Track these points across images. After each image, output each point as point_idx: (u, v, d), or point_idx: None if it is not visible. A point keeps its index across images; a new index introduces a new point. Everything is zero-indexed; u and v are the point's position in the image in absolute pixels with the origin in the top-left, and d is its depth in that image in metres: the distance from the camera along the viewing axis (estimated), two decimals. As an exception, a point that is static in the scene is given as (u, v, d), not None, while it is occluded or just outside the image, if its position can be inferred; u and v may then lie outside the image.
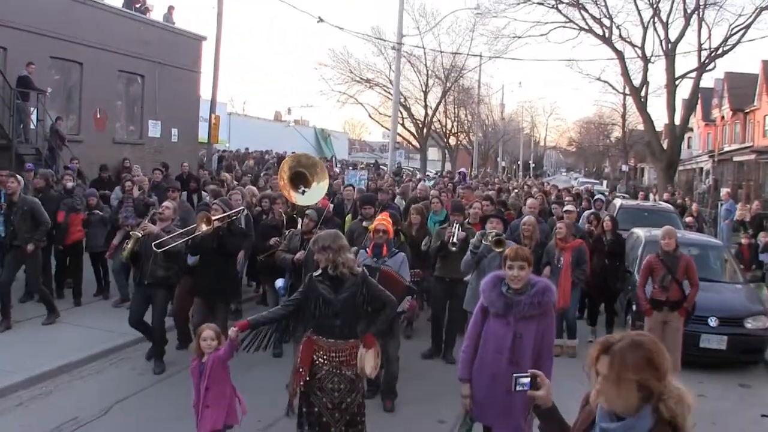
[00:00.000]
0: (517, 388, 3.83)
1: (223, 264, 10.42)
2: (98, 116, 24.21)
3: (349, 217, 14.47)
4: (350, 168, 35.11)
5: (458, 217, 11.86)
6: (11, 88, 19.58)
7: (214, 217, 10.06)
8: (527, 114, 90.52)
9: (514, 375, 3.89)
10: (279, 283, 10.60)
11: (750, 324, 11.85)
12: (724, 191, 28.82)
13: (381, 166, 44.01)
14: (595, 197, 21.15)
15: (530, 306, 6.10)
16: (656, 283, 10.63)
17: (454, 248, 11.03)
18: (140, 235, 10.29)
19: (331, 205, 14.31)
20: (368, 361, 6.71)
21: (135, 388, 9.73)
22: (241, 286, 12.48)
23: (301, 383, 6.72)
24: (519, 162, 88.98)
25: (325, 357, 6.65)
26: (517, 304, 6.11)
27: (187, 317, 11.36)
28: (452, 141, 69.20)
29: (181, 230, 10.55)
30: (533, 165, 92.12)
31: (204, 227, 9.91)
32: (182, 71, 28.33)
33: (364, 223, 11.83)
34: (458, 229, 11.25)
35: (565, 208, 14.50)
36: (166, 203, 11.22)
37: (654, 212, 20.19)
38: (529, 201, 15.56)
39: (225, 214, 10.47)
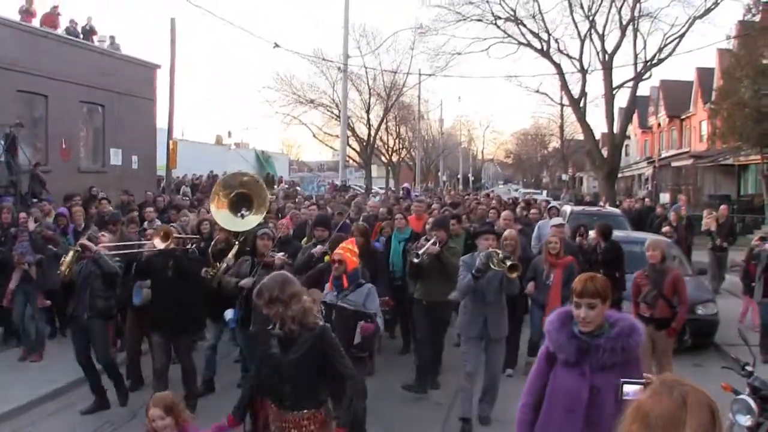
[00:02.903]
0: (624, 398, 3.46)
1: (183, 293, 9.27)
2: (63, 147, 24.67)
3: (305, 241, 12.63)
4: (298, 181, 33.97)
5: (440, 232, 10.42)
6: (-17, 124, 20.01)
7: (174, 234, 9.24)
8: (464, 128, 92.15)
9: (621, 380, 3.63)
10: (229, 314, 9.53)
11: (701, 310, 12.97)
12: (681, 197, 28.62)
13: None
14: (550, 205, 21.60)
15: (611, 352, 4.63)
16: (640, 299, 9.82)
17: (416, 259, 10.08)
18: (79, 250, 9.43)
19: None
20: None
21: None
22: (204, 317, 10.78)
23: None
24: (458, 176, 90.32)
25: (277, 427, 5.48)
26: (594, 350, 4.66)
27: (139, 357, 10.86)
28: (394, 158, 70.49)
29: (136, 242, 9.98)
30: (472, 178, 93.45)
31: (159, 243, 9.10)
32: (139, 99, 28.91)
33: (316, 248, 10.56)
34: (432, 243, 10.16)
35: (554, 221, 13.42)
36: (102, 233, 10.26)
37: (602, 216, 21.15)
38: (504, 213, 14.36)
39: (182, 236, 9.67)
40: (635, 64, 37.32)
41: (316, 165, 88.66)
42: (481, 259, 8.58)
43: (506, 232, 10.66)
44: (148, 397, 8.86)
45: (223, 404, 8.37)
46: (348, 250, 8.32)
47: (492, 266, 8.49)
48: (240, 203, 11.04)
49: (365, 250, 10.46)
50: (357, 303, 7.96)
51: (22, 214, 12.86)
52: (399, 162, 72.55)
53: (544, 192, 71.36)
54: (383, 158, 68.89)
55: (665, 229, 18.01)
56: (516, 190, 72.68)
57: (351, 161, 62.29)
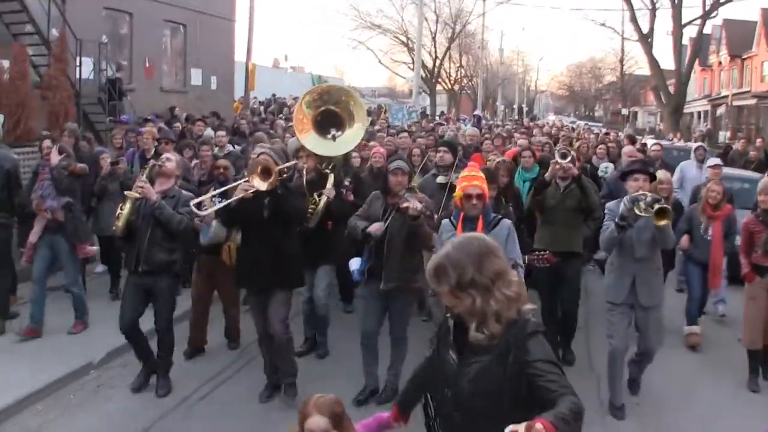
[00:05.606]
0: None
1: (280, 238, 7.24)
2: (147, 65, 24.91)
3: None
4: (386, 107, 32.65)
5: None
6: (76, 39, 20.11)
7: (277, 167, 7.10)
8: (520, 59, 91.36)
9: None
10: (354, 264, 7.61)
11: None
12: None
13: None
14: (696, 144, 18.78)
15: None
16: (758, 248, 8.27)
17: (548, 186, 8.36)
18: (137, 197, 7.33)
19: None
20: None
21: (140, 423, 7.08)
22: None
23: None
24: (514, 106, 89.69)
25: None
26: None
27: (206, 317, 8.99)
28: (456, 87, 70.47)
29: (224, 186, 7.92)
30: (526, 109, 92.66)
31: (260, 183, 6.93)
32: (219, 20, 29.08)
33: (439, 179, 8.91)
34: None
35: (711, 162, 11.92)
36: (166, 155, 8.12)
37: (685, 152, 21.02)
38: (627, 149, 12.91)
39: (281, 166, 7.32)
40: (704, 1, 37.19)
41: (369, 91, 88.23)
42: (626, 204, 6.89)
43: (661, 174, 9.19)
44: (207, 369, 8.40)
45: (331, 369, 8.31)
46: (483, 180, 6.74)
47: (637, 212, 6.78)
48: (326, 122, 8.87)
49: (510, 191, 9.07)
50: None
51: (46, 142, 10.06)
52: (461, 90, 72.51)
53: (599, 125, 70.83)
54: (445, 86, 68.77)
55: None
56: (572, 122, 71.34)
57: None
